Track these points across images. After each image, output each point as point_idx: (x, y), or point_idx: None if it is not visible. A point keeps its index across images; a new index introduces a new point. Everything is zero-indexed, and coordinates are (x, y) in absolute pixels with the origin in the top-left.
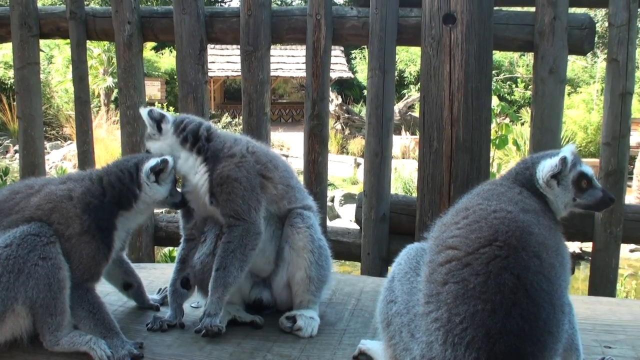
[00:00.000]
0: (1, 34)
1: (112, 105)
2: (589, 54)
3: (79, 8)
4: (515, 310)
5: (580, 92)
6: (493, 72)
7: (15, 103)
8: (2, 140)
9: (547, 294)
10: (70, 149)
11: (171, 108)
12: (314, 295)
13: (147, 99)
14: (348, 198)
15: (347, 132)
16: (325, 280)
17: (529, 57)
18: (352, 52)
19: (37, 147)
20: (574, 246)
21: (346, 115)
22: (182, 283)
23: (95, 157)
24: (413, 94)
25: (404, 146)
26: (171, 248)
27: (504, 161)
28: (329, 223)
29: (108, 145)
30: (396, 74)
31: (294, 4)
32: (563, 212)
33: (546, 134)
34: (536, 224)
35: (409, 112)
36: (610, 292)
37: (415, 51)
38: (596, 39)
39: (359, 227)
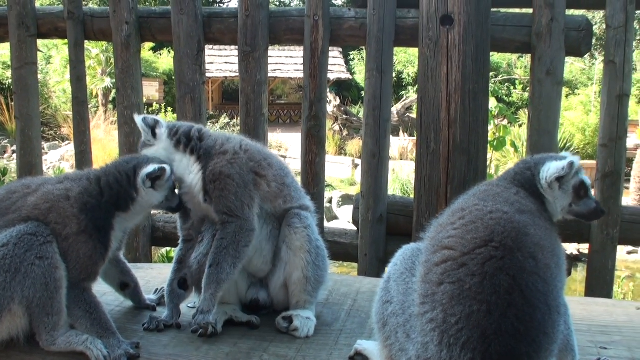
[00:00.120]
0: None
1: (110, 106)
2: (587, 56)
3: (77, 8)
4: (511, 311)
5: (579, 94)
6: (491, 73)
7: (13, 103)
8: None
9: (542, 294)
10: (68, 149)
11: (169, 109)
12: (310, 296)
13: (145, 100)
14: (346, 199)
15: (345, 133)
16: (322, 281)
17: (527, 59)
18: (351, 53)
19: (35, 147)
20: (571, 248)
21: (344, 116)
22: (180, 283)
23: (93, 158)
24: (411, 95)
25: (402, 147)
26: (168, 248)
27: (502, 163)
28: (327, 224)
29: (106, 146)
30: (394, 75)
31: (292, 4)
32: (559, 215)
33: (543, 136)
34: (532, 225)
35: (407, 114)
36: (607, 293)
37: (414, 52)
38: (594, 40)
39: (356, 228)
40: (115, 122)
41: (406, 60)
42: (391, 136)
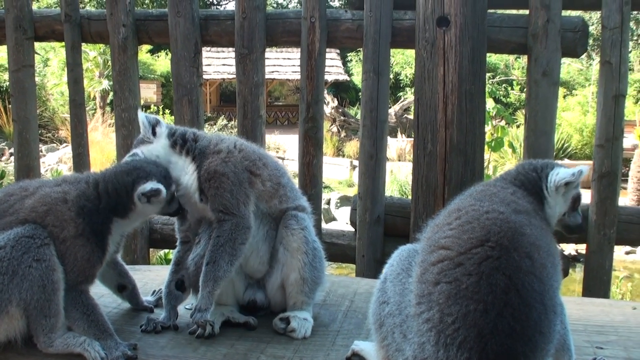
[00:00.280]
0: None
1: (107, 108)
2: (584, 57)
3: (74, 11)
4: (507, 310)
5: (576, 95)
6: (489, 74)
7: (10, 106)
8: None
9: (538, 294)
10: (65, 152)
11: (167, 111)
12: (307, 297)
13: (142, 102)
14: (344, 200)
15: (343, 134)
16: (319, 282)
17: (525, 60)
18: (348, 54)
19: (32, 150)
20: (570, 248)
21: (342, 117)
22: (177, 285)
23: (91, 160)
24: (409, 96)
25: (400, 149)
26: (166, 250)
27: (499, 163)
28: (325, 225)
29: (104, 148)
30: (392, 76)
31: (289, 6)
32: (553, 220)
33: (540, 137)
34: (528, 225)
35: (405, 115)
36: (604, 293)
37: (412, 54)
38: (591, 41)
39: (353, 230)
40: (112, 124)
41: (404, 61)
42: (389, 137)
